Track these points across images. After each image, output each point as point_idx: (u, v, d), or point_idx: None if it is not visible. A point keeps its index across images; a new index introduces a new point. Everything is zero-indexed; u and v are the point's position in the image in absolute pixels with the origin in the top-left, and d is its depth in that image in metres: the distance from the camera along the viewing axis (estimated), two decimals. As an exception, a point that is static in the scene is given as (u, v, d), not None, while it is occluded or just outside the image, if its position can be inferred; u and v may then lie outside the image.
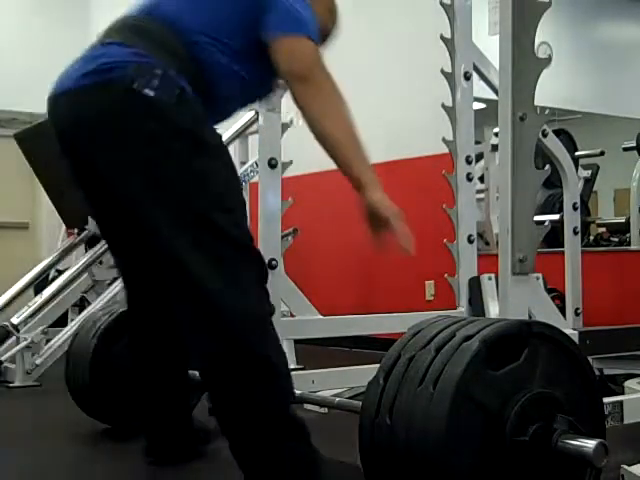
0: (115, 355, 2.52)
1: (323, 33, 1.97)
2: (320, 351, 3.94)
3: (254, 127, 4.13)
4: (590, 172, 5.38)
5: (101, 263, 4.29)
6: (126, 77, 1.72)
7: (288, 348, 3.76)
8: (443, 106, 3.12)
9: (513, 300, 2.07)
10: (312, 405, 2.45)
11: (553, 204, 4.87)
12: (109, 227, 2.06)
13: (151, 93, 1.72)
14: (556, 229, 3.44)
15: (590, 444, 1.38)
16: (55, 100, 1.87)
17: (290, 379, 1.86)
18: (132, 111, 1.75)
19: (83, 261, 4.29)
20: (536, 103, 2.07)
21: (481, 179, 4.76)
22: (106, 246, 4.19)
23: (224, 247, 1.77)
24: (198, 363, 1.87)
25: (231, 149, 4.16)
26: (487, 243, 4.67)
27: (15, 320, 3.92)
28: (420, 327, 1.51)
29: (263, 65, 1.86)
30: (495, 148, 4.52)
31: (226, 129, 4.05)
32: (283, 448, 1.78)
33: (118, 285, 4.19)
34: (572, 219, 3.28)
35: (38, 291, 4.38)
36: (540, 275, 3.09)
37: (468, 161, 3.11)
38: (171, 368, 2.16)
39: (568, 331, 2.33)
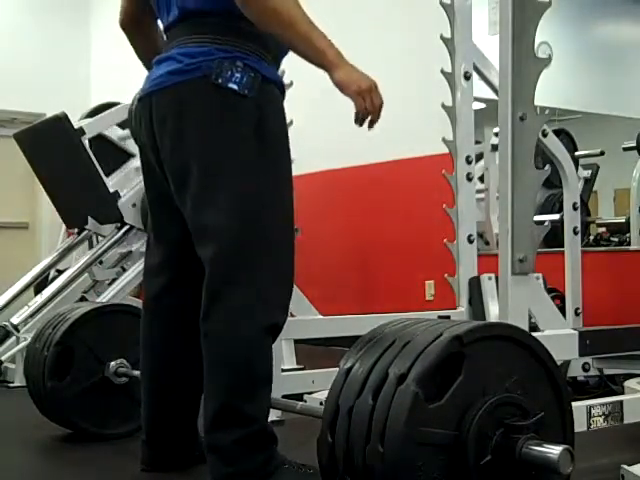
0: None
1: None
2: (320, 351, 3.94)
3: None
4: (590, 172, 5.37)
5: (101, 263, 4.29)
6: (211, 73, 1.84)
7: (288, 348, 3.76)
8: (443, 106, 3.12)
9: (513, 300, 2.07)
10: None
11: (553, 204, 4.86)
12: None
13: (235, 87, 1.84)
14: (556, 229, 3.43)
15: (555, 450, 1.29)
16: (142, 99, 1.97)
17: (270, 392, 1.88)
18: (218, 102, 1.85)
19: (83, 261, 4.29)
20: (536, 103, 2.07)
21: (481, 179, 4.75)
22: (106, 246, 4.24)
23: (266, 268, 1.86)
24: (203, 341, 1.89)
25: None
26: (487, 243, 4.66)
27: (15, 320, 3.93)
28: (349, 363, 1.42)
29: None
30: (495, 148, 4.52)
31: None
32: (251, 458, 1.80)
33: (117, 285, 4.20)
34: (572, 219, 3.29)
35: (38, 291, 4.39)
36: (540, 275, 3.09)
37: (468, 161, 3.11)
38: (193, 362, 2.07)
39: (568, 331, 2.33)
